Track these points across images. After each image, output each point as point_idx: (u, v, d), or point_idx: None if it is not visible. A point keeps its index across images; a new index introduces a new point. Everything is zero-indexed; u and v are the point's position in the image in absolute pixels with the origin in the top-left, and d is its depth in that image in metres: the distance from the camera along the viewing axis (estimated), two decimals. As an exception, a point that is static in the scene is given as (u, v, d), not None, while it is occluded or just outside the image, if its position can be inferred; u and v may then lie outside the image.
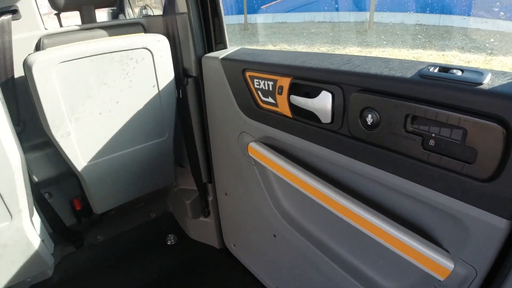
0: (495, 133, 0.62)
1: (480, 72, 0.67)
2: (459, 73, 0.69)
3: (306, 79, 0.95)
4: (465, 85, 0.66)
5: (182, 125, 1.53)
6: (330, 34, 6.67)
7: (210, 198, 1.70)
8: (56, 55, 1.13)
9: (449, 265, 0.77)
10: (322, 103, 0.90)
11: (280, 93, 1.02)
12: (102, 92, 1.24)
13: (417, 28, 5.74)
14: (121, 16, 2.71)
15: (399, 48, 5.46)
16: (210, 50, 1.38)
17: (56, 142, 1.22)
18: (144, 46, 1.26)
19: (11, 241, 1.17)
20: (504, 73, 0.67)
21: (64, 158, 1.28)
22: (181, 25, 1.34)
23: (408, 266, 0.89)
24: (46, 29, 1.33)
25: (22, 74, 1.15)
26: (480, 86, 0.64)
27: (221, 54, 1.27)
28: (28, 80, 1.13)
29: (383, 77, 0.77)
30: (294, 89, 0.98)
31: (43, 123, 1.19)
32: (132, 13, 2.78)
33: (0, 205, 1.09)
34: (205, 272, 1.70)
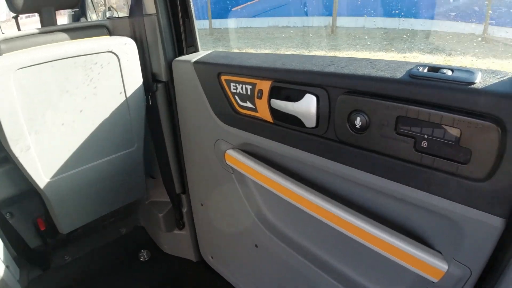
0: (490, 132, 0.61)
1: (470, 72, 0.66)
2: (449, 72, 0.68)
3: (288, 82, 0.90)
4: (458, 85, 0.64)
5: (152, 133, 1.45)
6: (295, 38, 6.74)
7: (185, 210, 1.62)
8: (13, 61, 1.02)
9: (443, 266, 0.76)
10: (306, 106, 0.86)
11: (260, 97, 0.97)
12: (64, 101, 1.14)
13: (378, 31, 5.92)
14: (82, 19, 2.56)
15: (362, 51, 5.60)
16: (181, 54, 1.31)
17: (15, 157, 1.10)
18: (110, 50, 1.17)
19: None
20: (493, 72, 0.67)
21: (25, 175, 1.17)
22: (149, 27, 1.26)
23: (400, 270, 0.87)
24: (2, 33, 1.21)
25: None
26: (473, 86, 0.63)
27: (193, 57, 1.20)
28: None
29: (372, 78, 0.75)
30: (275, 93, 0.94)
31: (0, 137, 1.08)
32: (96, 16, 2.64)
33: None
34: (182, 287, 1.62)
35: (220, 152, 1.20)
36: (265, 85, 0.95)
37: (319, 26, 6.70)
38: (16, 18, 1.54)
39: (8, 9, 1.24)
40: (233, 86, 1.05)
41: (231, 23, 7.15)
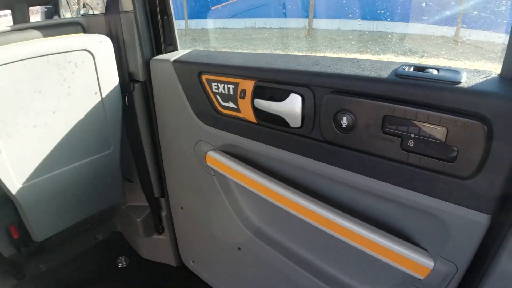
0: (476, 130, 0.62)
1: (456, 71, 0.67)
2: (435, 72, 0.68)
3: (272, 82, 0.89)
4: (444, 84, 0.65)
5: (129, 135, 1.40)
6: (272, 39, 6.77)
7: (164, 214, 1.58)
8: None
9: (429, 263, 0.77)
10: (291, 106, 0.85)
11: (243, 97, 0.95)
12: (36, 102, 1.07)
13: (353, 33, 6.03)
14: (55, 17, 2.45)
15: (338, 53, 5.68)
16: (159, 53, 1.27)
17: None
18: (84, 48, 1.12)
19: None
20: (478, 71, 0.68)
21: None
22: (126, 25, 1.21)
23: (387, 269, 0.87)
24: None
25: None
26: (459, 85, 0.64)
27: (172, 56, 1.16)
28: None
29: (359, 77, 0.74)
30: (259, 93, 0.92)
31: None
32: (70, 14, 2.53)
33: None
34: None
35: (201, 153, 1.17)
36: (248, 85, 0.93)
37: (295, 27, 6.75)
38: None
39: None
40: (215, 85, 1.02)
41: (207, 23, 7.10)
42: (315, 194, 0.93)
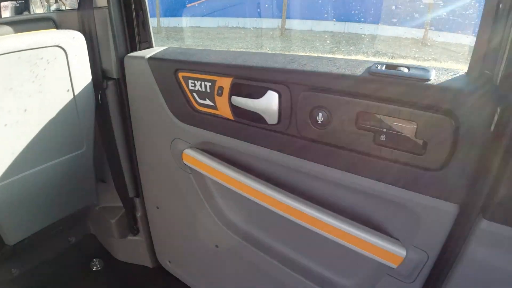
0: (444, 125, 0.65)
1: (425, 69, 0.71)
2: (406, 70, 0.72)
3: (250, 79, 0.90)
4: (415, 81, 0.68)
5: (102, 134, 1.36)
6: (245, 39, 6.78)
7: (139, 214, 1.55)
8: None
9: (401, 252, 0.80)
10: (268, 103, 0.86)
11: (220, 95, 0.96)
12: (7, 100, 1.03)
13: (325, 34, 6.14)
14: (25, 13, 2.34)
15: (311, 53, 5.77)
16: (134, 50, 1.24)
17: None
18: (57, 44, 1.08)
19: None
20: (446, 70, 0.72)
21: None
22: (99, 21, 1.18)
23: (361, 260, 0.90)
24: None
25: None
26: (428, 82, 0.67)
27: (147, 53, 1.15)
28: None
29: (334, 75, 0.77)
30: (236, 90, 0.93)
31: None
32: (43, 10, 2.43)
33: None
34: None
35: (177, 151, 1.16)
36: (225, 82, 0.94)
37: (269, 27, 6.80)
38: None
39: None
40: (191, 83, 1.02)
41: (180, 22, 7.02)
42: (292, 189, 0.95)
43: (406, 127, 0.70)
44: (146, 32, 1.24)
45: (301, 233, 0.99)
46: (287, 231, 1.05)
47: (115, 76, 1.25)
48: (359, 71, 0.75)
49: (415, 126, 0.68)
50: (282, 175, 0.99)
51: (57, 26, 1.27)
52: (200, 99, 1.02)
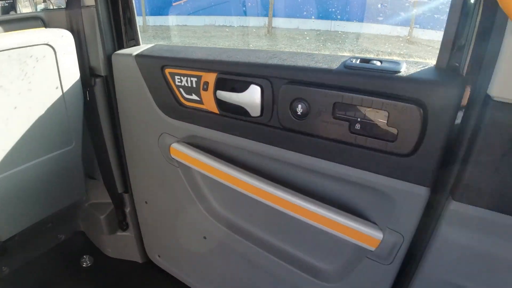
0: (413, 113, 0.71)
1: (396, 62, 0.76)
2: (379, 63, 0.77)
3: (234, 74, 0.94)
4: (386, 73, 0.73)
5: (91, 131, 1.39)
6: (232, 37, 6.80)
7: (128, 209, 1.58)
8: None
9: (378, 235, 0.85)
10: (251, 96, 0.90)
11: (206, 89, 0.99)
12: None
13: (311, 32, 6.21)
14: (12, 13, 2.32)
15: (297, 51, 5.81)
16: (121, 48, 1.27)
17: None
18: (46, 42, 1.10)
19: None
20: (416, 63, 0.77)
21: None
22: (87, 19, 1.21)
23: (342, 245, 0.95)
24: None
25: None
26: (398, 74, 0.72)
27: (134, 50, 1.18)
28: None
29: (312, 69, 0.81)
30: (221, 84, 0.97)
31: None
32: (31, 9, 2.41)
33: None
34: None
35: (164, 146, 1.20)
36: (210, 77, 0.98)
37: (255, 26, 6.84)
38: None
39: None
40: (178, 79, 1.06)
41: (166, 20, 7.00)
42: (275, 179, 1.00)
43: (378, 116, 0.75)
44: (133, 30, 1.27)
45: (285, 222, 1.04)
46: (272, 220, 1.10)
47: (103, 74, 1.28)
48: (335, 65, 0.80)
49: (387, 115, 0.73)
50: (266, 166, 1.03)
51: (45, 25, 1.29)
52: (187, 94, 1.06)
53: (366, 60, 0.78)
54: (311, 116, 0.83)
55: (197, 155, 1.11)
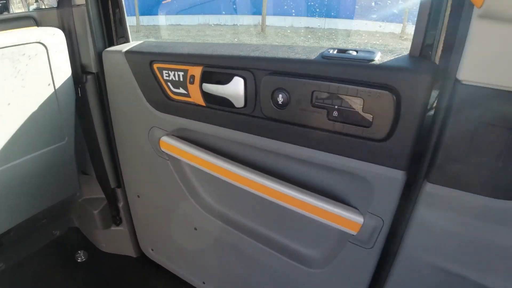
0: (387, 99, 0.74)
1: (371, 52, 0.80)
2: (354, 53, 0.80)
3: (218, 67, 0.97)
4: (360, 62, 0.77)
5: (83, 126, 1.42)
6: (226, 36, 6.81)
7: (121, 204, 1.61)
8: None
9: (359, 219, 0.89)
10: (235, 88, 0.94)
11: (192, 83, 1.03)
12: None
13: (305, 30, 6.23)
14: (5, 13, 2.34)
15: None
16: (111, 45, 1.30)
17: None
18: (38, 40, 1.13)
19: None
20: (391, 51, 0.81)
21: None
22: (78, 18, 1.24)
23: (326, 231, 0.99)
24: None
25: None
26: (372, 62, 0.76)
27: (124, 47, 1.21)
28: None
29: (291, 60, 0.85)
30: (206, 77, 1.00)
31: None
32: (24, 9, 2.42)
33: None
34: (124, 285, 1.60)
35: (154, 139, 1.23)
36: (196, 71, 1.01)
37: (249, 24, 6.86)
38: None
39: None
40: (166, 73, 1.09)
41: (160, 20, 7.00)
42: (261, 168, 1.03)
43: (354, 103, 0.78)
44: (123, 28, 1.30)
45: (272, 211, 1.07)
46: (260, 209, 1.13)
47: (94, 70, 1.31)
48: (313, 56, 0.83)
49: (362, 102, 0.77)
50: (251, 155, 1.07)
51: (37, 24, 1.32)
52: (174, 88, 1.09)
53: (343, 51, 0.82)
54: (291, 105, 0.86)
55: (185, 147, 1.14)
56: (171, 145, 1.18)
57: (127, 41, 1.32)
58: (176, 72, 1.06)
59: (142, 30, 6.68)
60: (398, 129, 0.76)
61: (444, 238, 0.79)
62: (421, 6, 0.77)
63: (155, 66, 1.11)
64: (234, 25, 7.00)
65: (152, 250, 1.63)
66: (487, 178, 0.69)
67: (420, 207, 0.79)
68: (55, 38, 1.19)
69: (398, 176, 0.80)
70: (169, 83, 1.10)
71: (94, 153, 1.46)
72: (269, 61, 0.88)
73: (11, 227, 1.33)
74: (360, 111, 0.78)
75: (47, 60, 1.19)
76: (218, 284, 1.42)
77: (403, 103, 0.74)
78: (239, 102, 0.95)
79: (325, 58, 0.81)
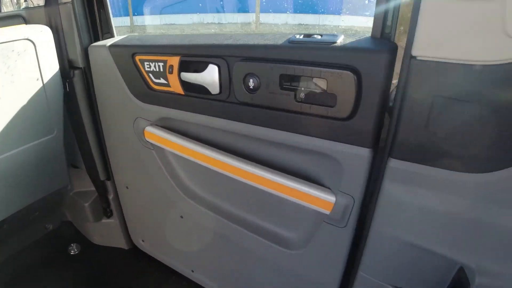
0: (348, 79, 0.78)
1: (335, 35, 0.83)
2: (319, 37, 0.85)
3: (194, 56, 1.01)
4: (323, 45, 0.81)
5: (72, 120, 1.46)
6: (220, 35, 6.84)
7: (111, 196, 1.65)
8: None
9: (331, 198, 0.92)
10: (210, 75, 0.98)
11: (171, 72, 1.07)
12: None
13: (300, 27, 6.26)
14: None
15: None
16: (97, 40, 1.35)
17: None
18: (26, 37, 1.18)
19: None
20: (354, 34, 0.84)
21: None
22: (64, 15, 1.29)
23: (302, 213, 1.02)
24: None
25: None
26: (334, 45, 0.80)
27: (108, 42, 1.25)
28: None
29: (260, 46, 0.89)
30: (184, 67, 1.04)
31: None
32: (13, 8, 2.47)
33: None
34: (116, 277, 1.64)
35: (139, 130, 1.27)
36: (174, 61, 1.05)
37: (244, 22, 6.89)
38: None
39: None
40: (147, 64, 1.13)
41: (154, 19, 7.03)
42: (238, 152, 1.07)
43: (319, 84, 0.82)
44: (108, 24, 1.35)
45: (252, 195, 1.12)
46: (240, 194, 1.17)
47: (80, 65, 1.35)
48: (281, 41, 0.88)
49: (326, 82, 0.81)
50: (229, 141, 1.11)
51: (26, 22, 1.37)
52: (155, 78, 1.13)
53: (309, 35, 0.86)
54: (261, 89, 0.90)
55: (167, 135, 1.18)
56: (154, 135, 1.22)
57: (112, 36, 1.37)
58: (156, 63, 1.10)
59: (136, 30, 6.71)
60: (361, 107, 0.79)
61: (410, 214, 0.80)
62: None
63: (137, 58, 1.15)
64: (228, 23, 7.03)
65: (143, 241, 1.66)
66: (446, 151, 0.71)
67: (387, 184, 0.81)
68: (43, 35, 1.24)
69: (364, 153, 0.83)
70: (150, 74, 1.14)
71: (83, 146, 1.49)
72: (240, 48, 0.92)
73: (3, 219, 1.37)
74: (325, 92, 0.82)
75: (35, 56, 1.23)
76: (206, 271, 1.46)
77: (364, 83, 0.77)
78: (215, 89, 0.99)
79: (291, 43, 0.85)
